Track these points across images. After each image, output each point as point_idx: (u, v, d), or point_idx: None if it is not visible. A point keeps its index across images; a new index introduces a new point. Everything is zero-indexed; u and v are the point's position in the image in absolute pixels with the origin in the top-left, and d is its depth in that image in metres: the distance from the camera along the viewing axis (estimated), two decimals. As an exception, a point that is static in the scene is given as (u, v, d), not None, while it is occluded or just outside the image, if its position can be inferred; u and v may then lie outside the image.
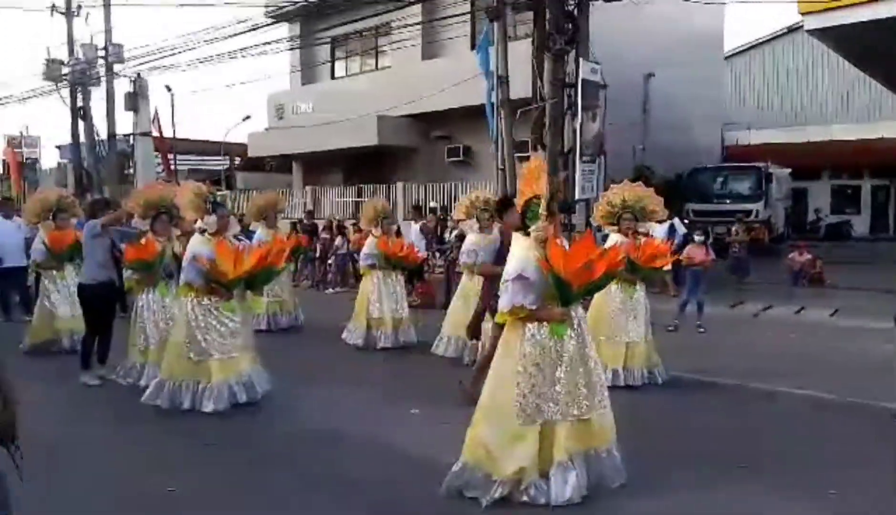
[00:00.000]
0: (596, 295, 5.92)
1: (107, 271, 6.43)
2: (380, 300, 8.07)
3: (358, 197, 17.94)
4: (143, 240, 6.39)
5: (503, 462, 3.67)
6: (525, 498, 3.63)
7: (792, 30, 26.76)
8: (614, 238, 6.39)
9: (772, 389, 6.14)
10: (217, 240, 5.54)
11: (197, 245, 5.51)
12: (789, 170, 21.14)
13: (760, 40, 29.12)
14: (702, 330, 8.78)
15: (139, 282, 6.44)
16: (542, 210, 3.77)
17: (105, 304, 6.48)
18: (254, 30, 16.34)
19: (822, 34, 11.29)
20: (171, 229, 6.51)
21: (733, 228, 13.09)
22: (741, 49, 29.09)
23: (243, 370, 5.59)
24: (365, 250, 8.35)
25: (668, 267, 7.27)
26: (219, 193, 6.08)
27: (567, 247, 3.94)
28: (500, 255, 4.93)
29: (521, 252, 3.80)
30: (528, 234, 3.86)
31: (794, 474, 4.23)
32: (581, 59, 10.93)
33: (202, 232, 5.59)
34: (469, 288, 7.36)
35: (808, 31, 11.31)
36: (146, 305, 6.38)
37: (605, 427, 3.85)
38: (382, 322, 8.07)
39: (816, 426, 5.27)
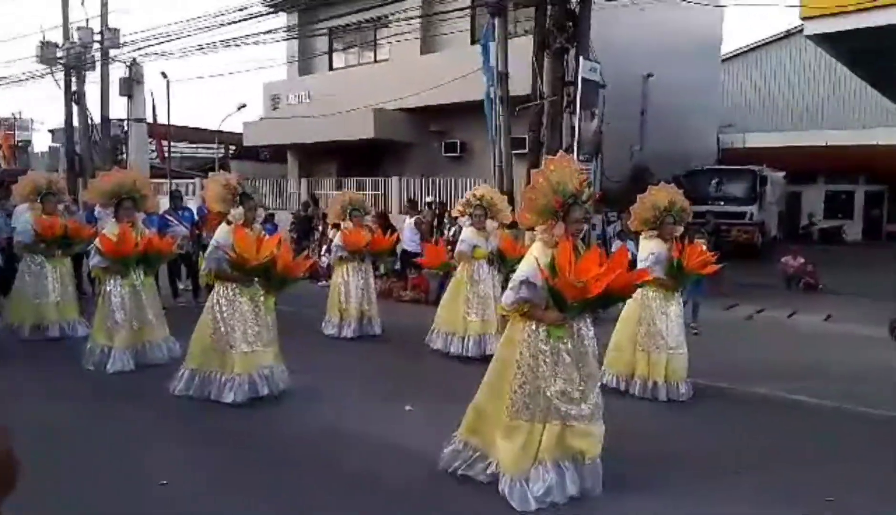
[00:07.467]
0: (631, 304, 5.75)
1: None
2: (348, 292, 8.28)
3: (355, 190, 17.85)
4: (116, 232, 6.29)
5: (494, 447, 3.75)
6: (500, 491, 3.64)
7: (790, 34, 26.79)
8: (652, 245, 5.95)
9: (765, 393, 6.17)
10: (237, 228, 5.46)
11: (222, 235, 5.48)
12: (783, 173, 21.21)
13: (758, 43, 29.14)
14: (696, 332, 8.78)
15: (106, 270, 6.41)
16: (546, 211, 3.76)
17: None
18: (251, 18, 16.22)
19: (823, 39, 11.24)
20: (135, 215, 6.54)
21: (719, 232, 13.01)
22: (739, 52, 29.10)
23: (265, 363, 5.52)
24: (335, 243, 8.60)
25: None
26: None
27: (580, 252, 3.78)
28: None
29: (534, 257, 3.74)
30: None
31: (789, 478, 4.21)
32: (581, 58, 10.89)
33: (228, 222, 5.52)
34: (459, 281, 7.48)
35: (807, 35, 11.25)
36: (114, 291, 6.38)
37: (595, 436, 3.74)
38: (349, 313, 8.28)
39: (809, 430, 5.26)
